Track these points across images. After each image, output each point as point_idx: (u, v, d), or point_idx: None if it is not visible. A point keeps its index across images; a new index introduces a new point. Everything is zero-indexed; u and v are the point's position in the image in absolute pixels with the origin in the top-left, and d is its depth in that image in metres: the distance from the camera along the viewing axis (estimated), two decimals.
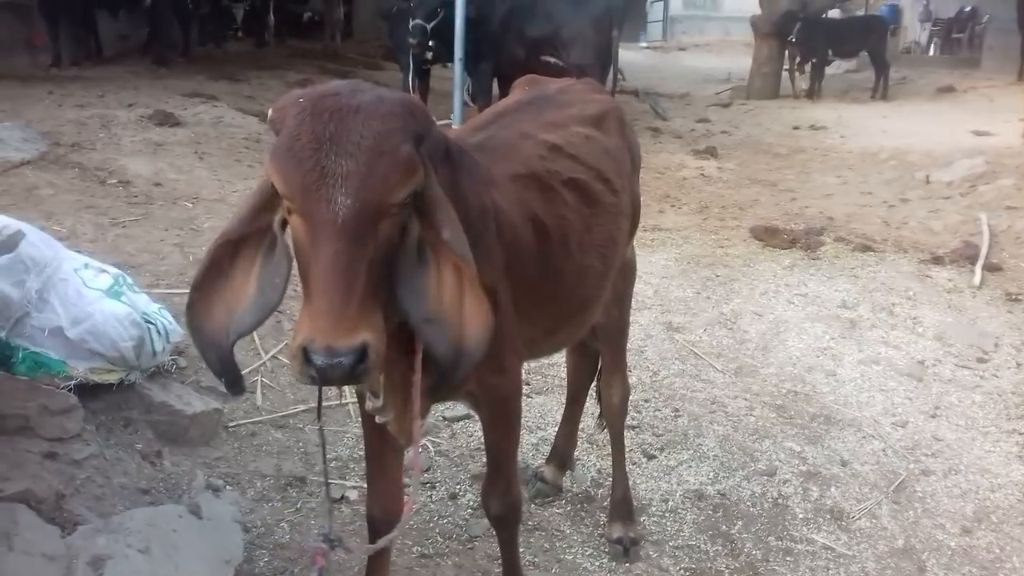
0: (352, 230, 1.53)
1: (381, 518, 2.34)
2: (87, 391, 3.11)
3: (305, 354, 1.50)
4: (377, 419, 2.02)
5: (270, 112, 1.67)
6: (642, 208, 7.26)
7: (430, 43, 8.61)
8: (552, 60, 8.90)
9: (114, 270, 3.37)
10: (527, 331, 2.27)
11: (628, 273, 2.94)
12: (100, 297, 3.11)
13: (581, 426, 3.60)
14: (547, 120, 2.42)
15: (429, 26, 8.47)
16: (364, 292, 1.54)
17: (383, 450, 2.32)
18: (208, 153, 7.01)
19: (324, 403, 3.75)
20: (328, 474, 2.27)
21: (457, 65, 8.31)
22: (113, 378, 3.13)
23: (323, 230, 1.52)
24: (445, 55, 8.73)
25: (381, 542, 2.18)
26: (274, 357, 3.99)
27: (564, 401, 3.47)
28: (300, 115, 1.57)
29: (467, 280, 1.70)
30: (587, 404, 3.50)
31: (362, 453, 2.53)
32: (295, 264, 1.67)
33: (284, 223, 1.66)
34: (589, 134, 2.45)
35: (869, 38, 14.83)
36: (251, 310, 1.69)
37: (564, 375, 3.62)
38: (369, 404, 1.98)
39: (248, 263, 1.71)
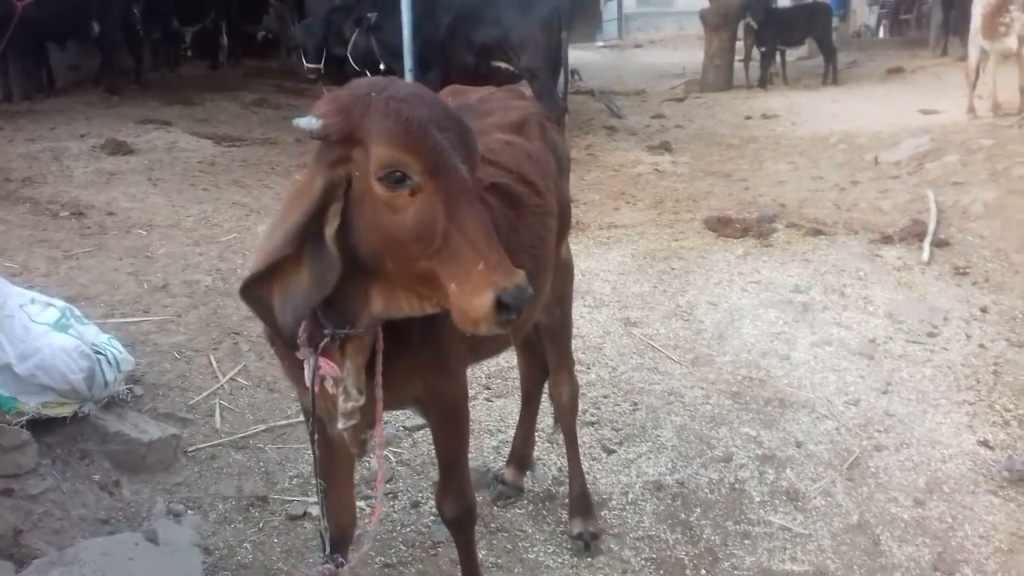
0: (475, 191, 1.79)
1: (336, 532, 2.37)
2: (41, 425, 3.12)
3: (498, 304, 1.67)
4: (340, 425, 2.02)
5: (317, 121, 1.73)
6: (598, 206, 7.35)
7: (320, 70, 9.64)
8: (503, 65, 8.94)
9: (61, 303, 3.38)
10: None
11: (566, 273, 2.99)
12: (47, 331, 3.13)
13: (540, 426, 3.65)
14: None
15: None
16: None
17: (334, 465, 2.35)
18: (162, 179, 7.00)
19: (284, 422, 3.80)
20: (322, 494, 2.28)
21: (408, 76, 8.33)
22: (66, 411, 3.15)
23: (462, 196, 1.72)
24: (396, 66, 8.76)
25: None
26: (232, 379, 4.00)
27: None
28: (390, 104, 1.72)
29: None
30: (546, 405, 3.55)
31: None
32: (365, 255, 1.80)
33: (339, 230, 1.76)
34: (510, 140, 2.50)
35: (814, 25, 15.01)
36: (304, 295, 1.80)
37: None
38: (350, 404, 1.99)
39: (295, 264, 1.79)
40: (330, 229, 1.74)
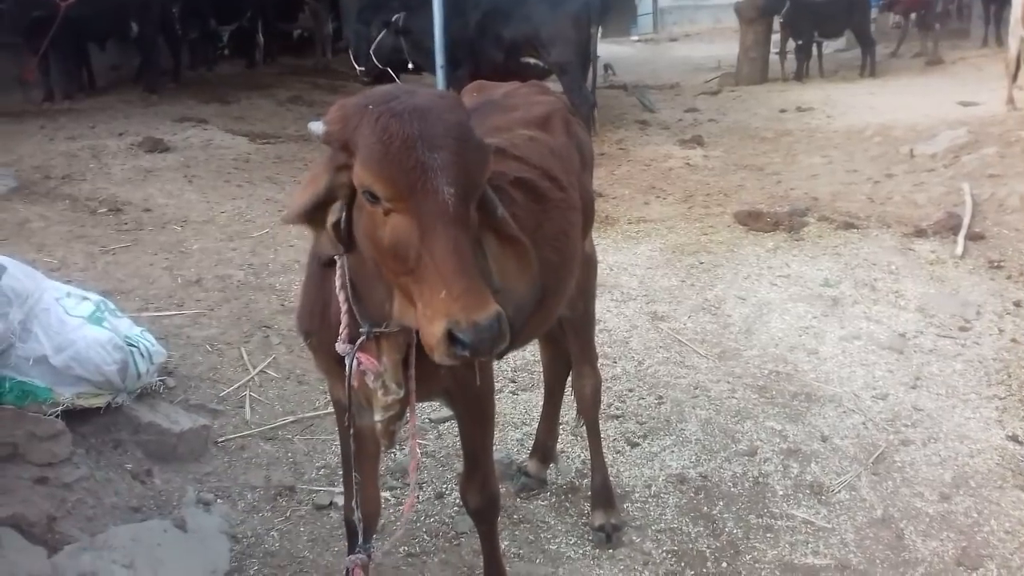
0: (460, 215, 1.69)
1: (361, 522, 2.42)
2: (76, 416, 3.21)
3: (451, 336, 1.63)
4: (377, 417, 2.07)
5: (322, 127, 1.78)
6: (628, 201, 7.33)
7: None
8: (532, 61, 8.95)
9: (96, 296, 3.46)
10: None
11: (590, 267, 3.01)
12: (82, 324, 3.21)
13: (564, 419, 3.67)
14: (492, 125, 2.49)
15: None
16: (477, 269, 1.71)
17: (362, 457, 2.41)
18: (197, 176, 7.12)
19: (312, 413, 3.86)
20: (353, 487, 2.37)
21: (439, 72, 8.39)
22: (100, 402, 3.23)
23: (437, 220, 1.66)
24: (426, 64, 8.81)
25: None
26: (262, 372, 4.08)
27: None
28: (380, 120, 1.68)
29: (522, 249, 1.94)
30: (570, 398, 3.58)
31: None
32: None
33: (336, 224, 1.81)
34: (533, 135, 2.53)
35: (852, 17, 14.81)
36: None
37: None
38: (390, 398, 2.03)
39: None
40: (330, 219, 1.82)
